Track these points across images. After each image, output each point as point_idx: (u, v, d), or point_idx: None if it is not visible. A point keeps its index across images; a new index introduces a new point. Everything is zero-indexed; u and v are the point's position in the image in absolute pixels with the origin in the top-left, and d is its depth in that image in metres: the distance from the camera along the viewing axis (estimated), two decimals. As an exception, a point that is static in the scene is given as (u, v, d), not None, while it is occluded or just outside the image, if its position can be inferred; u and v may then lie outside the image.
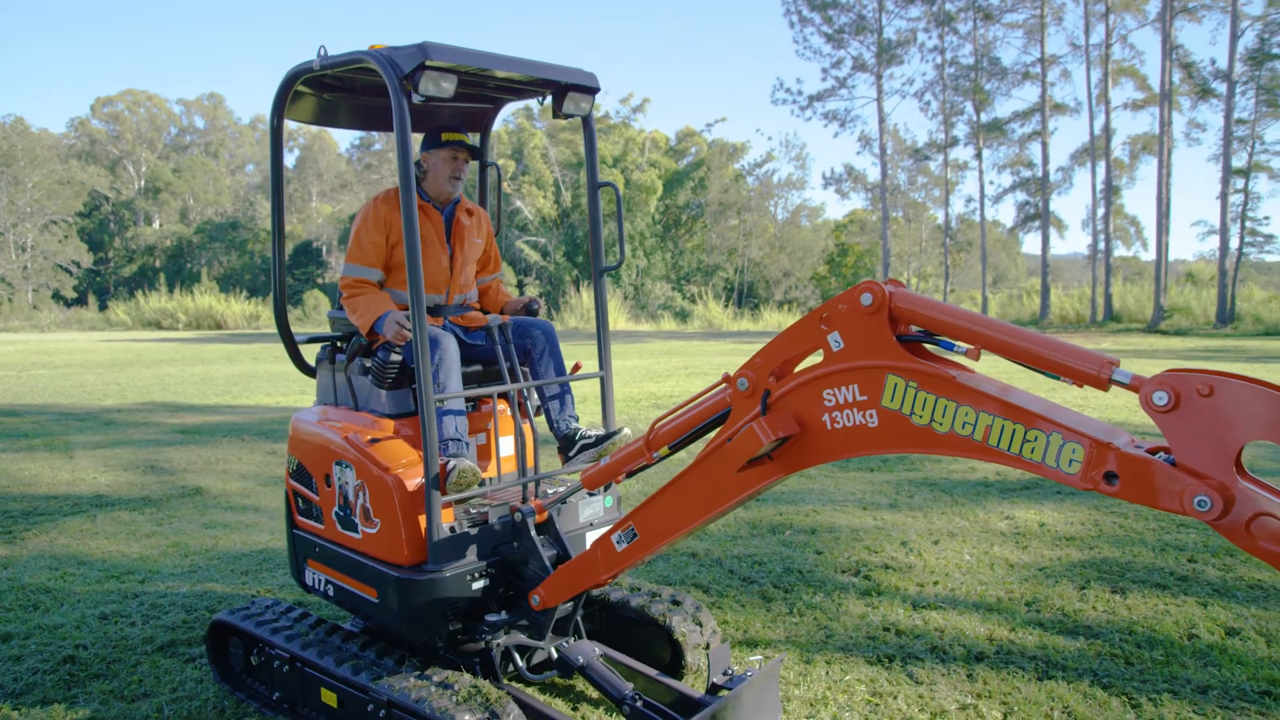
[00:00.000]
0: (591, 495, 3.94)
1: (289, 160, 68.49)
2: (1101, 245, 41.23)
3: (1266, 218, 71.38)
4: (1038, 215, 43.99)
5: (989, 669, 4.34)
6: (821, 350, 2.62)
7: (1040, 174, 43.16)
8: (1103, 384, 2.16)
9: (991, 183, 44.76)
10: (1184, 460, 2.03)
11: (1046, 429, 2.20)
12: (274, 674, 3.91)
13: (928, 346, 2.55)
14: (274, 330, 4.37)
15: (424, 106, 4.07)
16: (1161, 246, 37.89)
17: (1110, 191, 41.35)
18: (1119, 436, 2.16)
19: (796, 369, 2.77)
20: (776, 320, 44.22)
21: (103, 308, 53.02)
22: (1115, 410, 11.86)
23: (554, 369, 4.02)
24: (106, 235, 63.71)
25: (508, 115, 58.37)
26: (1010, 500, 7.61)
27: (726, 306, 49.34)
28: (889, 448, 2.49)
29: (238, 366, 21.95)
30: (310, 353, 4.34)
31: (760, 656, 4.44)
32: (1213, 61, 39.06)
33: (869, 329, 2.49)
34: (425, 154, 4.06)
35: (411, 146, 3.35)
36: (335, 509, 3.75)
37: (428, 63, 3.27)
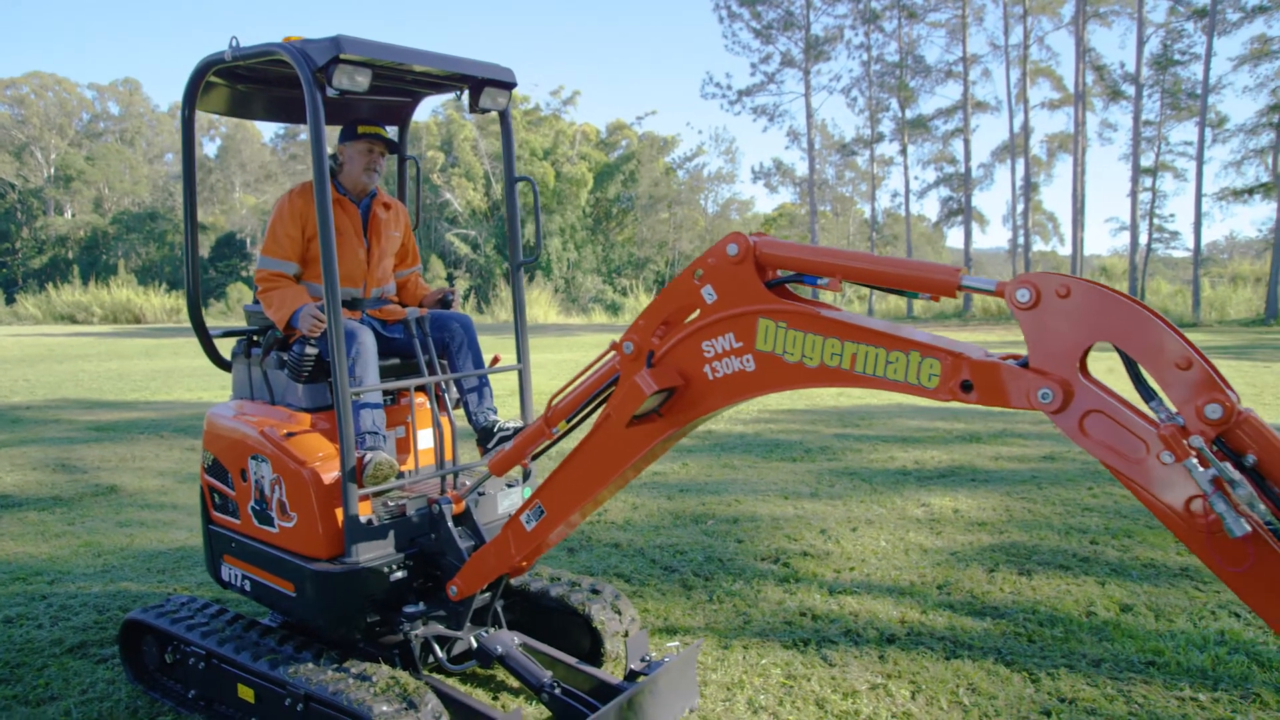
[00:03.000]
0: (510, 486, 3.98)
1: (210, 150, 66.51)
2: (1021, 240, 42.55)
3: (1172, 215, 74.73)
4: (960, 210, 45.15)
5: (899, 650, 4.50)
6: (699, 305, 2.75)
7: (963, 170, 44.30)
8: (951, 290, 2.34)
9: (916, 178, 45.84)
10: (1035, 356, 2.20)
11: (906, 348, 2.37)
12: (190, 671, 3.86)
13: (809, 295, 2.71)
14: (227, 331, 4.31)
15: (341, 99, 4.04)
16: (1077, 242, 39.32)
17: (1029, 188, 42.65)
18: (973, 350, 2.32)
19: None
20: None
21: (10, 301, 50.73)
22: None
23: (472, 362, 4.05)
24: (13, 225, 60.99)
25: (437, 107, 57.69)
26: (927, 488, 7.86)
27: (660, 298, 49.50)
28: (767, 388, 2.64)
29: (157, 362, 21.30)
30: (226, 347, 4.29)
31: (677, 643, 4.54)
32: (1121, 65, 40.67)
33: (738, 278, 2.63)
34: (341, 146, 4.04)
35: (326, 140, 3.34)
36: (251, 503, 3.72)
37: (341, 56, 3.26)
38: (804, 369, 2.53)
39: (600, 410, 3.04)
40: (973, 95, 43.77)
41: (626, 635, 4.12)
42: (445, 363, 4.08)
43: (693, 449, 9.79)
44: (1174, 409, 2.07)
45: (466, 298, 44.61)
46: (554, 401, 3.18)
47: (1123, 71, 39.99)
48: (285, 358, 3.82)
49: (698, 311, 2.78)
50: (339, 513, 3.46)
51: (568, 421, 3.13)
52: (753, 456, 9.32)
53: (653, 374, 2.74)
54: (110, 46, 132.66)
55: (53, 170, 63.37)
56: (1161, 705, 3.93)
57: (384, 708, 3.19)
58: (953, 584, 5.43)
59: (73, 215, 62.10)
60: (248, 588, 3.83)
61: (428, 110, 56.76)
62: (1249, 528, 1.95)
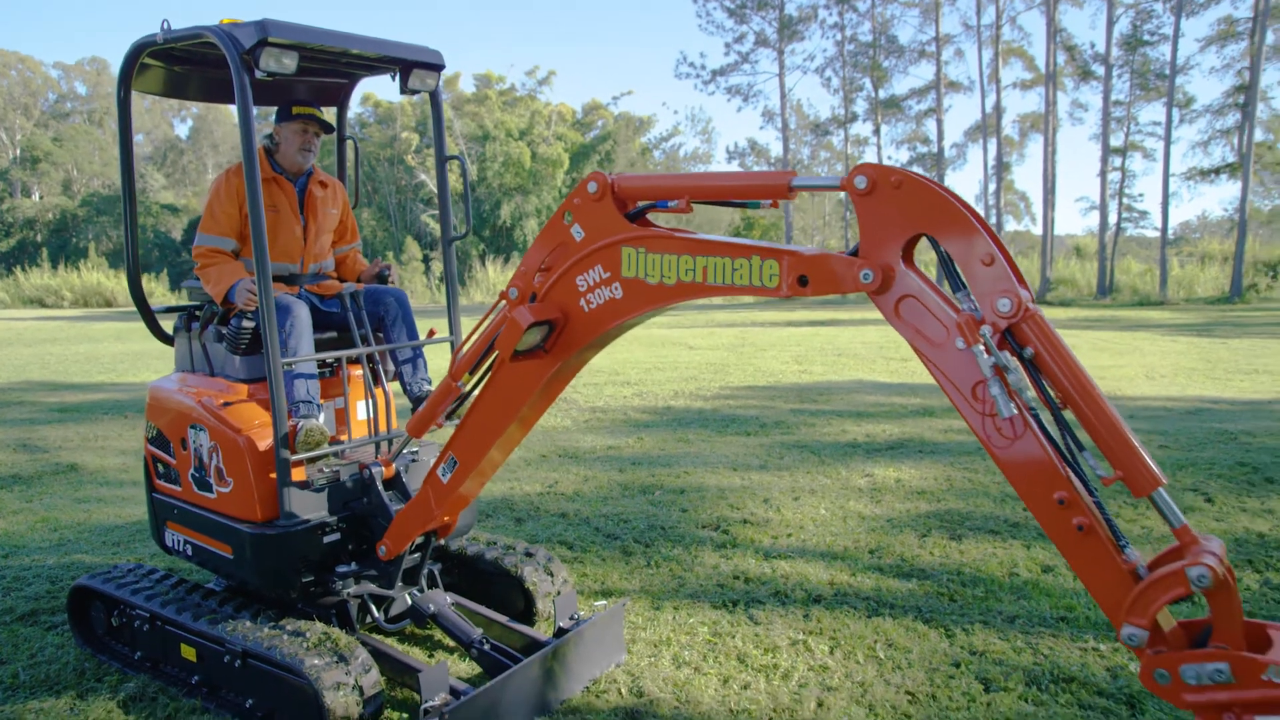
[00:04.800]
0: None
1: (182, 131, 65.76)
2: (993, 220, 42.91)
3: (1141, 194, 75.39)
4: (933, 191, 45.46)
5: (824, 609, 4.72)
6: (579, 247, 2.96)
7: (936, 150, 44.60)
8: (783, 192, 2.57)
9: (890, 158, 45.99)
10: (864, 242, 2.41)
11: (748, 254, 2.59)
12: (135, 634, 4.02)
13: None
14: (170, 307, 4.43)
15: (277, 80, 4.16)
16: (1047, 221, 39.75)
17: (1001, 168, 43.02)
18: (806, 249, 2.56)
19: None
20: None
21: (-24, 285, 50.09)
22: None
23: (406, 335, 4.20)
24: (-22, 207, 60.07)
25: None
26: (874, 459, 8.09)
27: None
28: (636, 310, 2.85)
29: (128, 345, 21.21)
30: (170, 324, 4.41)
31: (605, 602, 4.73)
32: (1092, 45, 40.94)
33: (600, 213, 2.86)
34: (277, 127, 4.17)
35: (254, 121, 3.47)
36: (191, 471, 3.87)
37: (268, 39, 3.38)
38: (664, 288, 2.76)
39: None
40: (946, 75, 44.02)
41: (559, 596, 4.30)
42: (381, 336, 4.23)
43: (650, 424, 9.98)
44: (975, 302, 2.28)
45: (442, 280, 44.50)
46: (456, 355, 3.35)
47: (1093, 52, 40.33)
48: (224, 331, 3.95)
49: None
50: (273, 478, 3.61)
51: (471, 374, 3.29)
52: (708, 431, 9.53)
53: (530, 309, 2.95)
54: (77, 24, 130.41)
55: (18, 151, 62.39)
56: (1065, 656, 4.17)
57: (315, 661, 3.36)
58: (884, 548, 5.66)
59: (40, 198, 61.21)
60: (189, 552, 3.98)
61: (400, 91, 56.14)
62: (1015, 410, 2.18)
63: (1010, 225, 51.79)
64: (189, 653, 3.78)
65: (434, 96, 4.17)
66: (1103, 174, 38.97)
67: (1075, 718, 3.62)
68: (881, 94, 45.32)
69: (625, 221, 2.84)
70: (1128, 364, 14.91)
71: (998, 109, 42.21)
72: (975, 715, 3.67)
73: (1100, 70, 39.05)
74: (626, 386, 12.99)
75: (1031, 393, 2.22)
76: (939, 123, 44.00)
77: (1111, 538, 2.19)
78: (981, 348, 2.19)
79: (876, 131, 45.85)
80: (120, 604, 4.05)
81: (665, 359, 16.54)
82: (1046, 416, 2.30)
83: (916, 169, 45.47)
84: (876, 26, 44.79)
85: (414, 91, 4.01)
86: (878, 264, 2.38)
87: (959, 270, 2.29)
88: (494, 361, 3.18)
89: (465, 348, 3.29)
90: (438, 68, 4.00)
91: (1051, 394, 2.24)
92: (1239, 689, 2.01)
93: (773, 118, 48.09)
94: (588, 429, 9.81)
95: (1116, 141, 39.50)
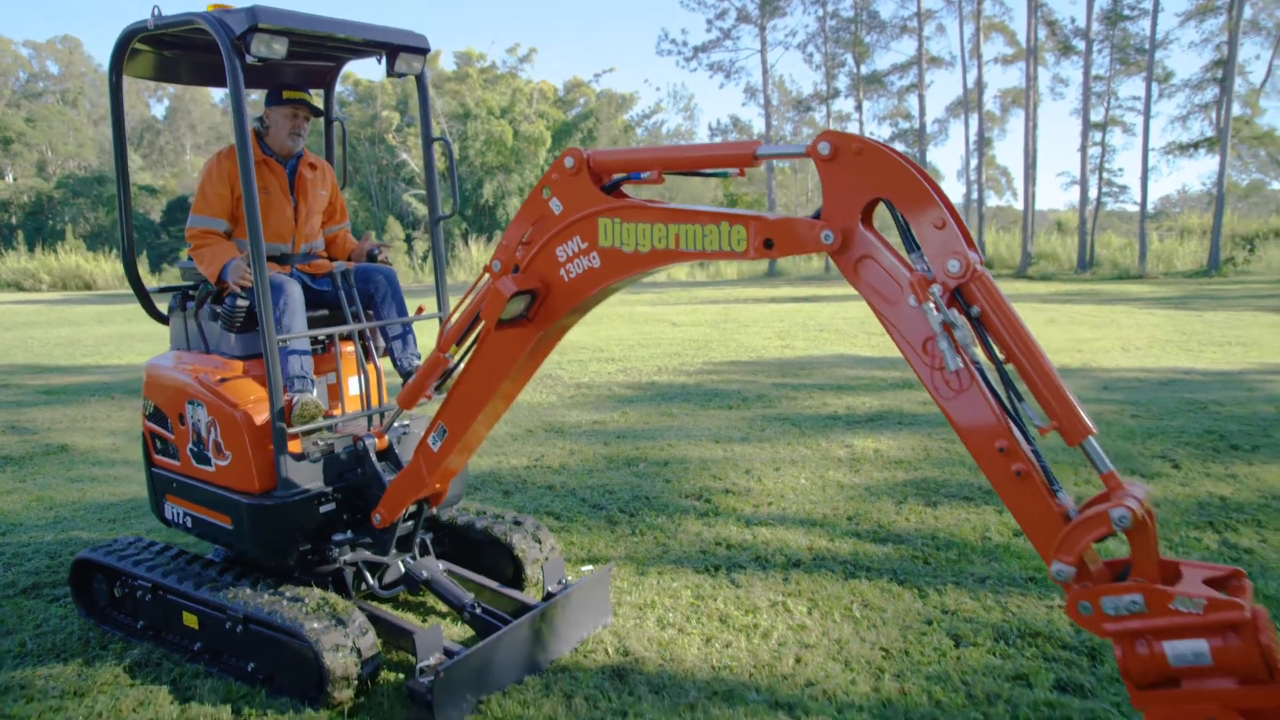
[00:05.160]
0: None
1: (159, 112, 64.99)
2: (975, 195, 43.17)
3: (1121, 169, 75.83)
4: (915, 166, 45.63)
5: (802, 573, 4.90)
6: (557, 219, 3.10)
7: (918, 125, 44.72)
8: (749, 160, 2.73)
9: (872, 133, 46.04)
10: (826, 205, 2.56)
11: (716, 221, 2.75)
12: (138, 604, 4.15)
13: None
14: (164, 287, 4.53)
15: (265, 64, 4.25)
16: (1028, 196, 39.98)
17: (983, 143, 43.23)
18: (771, 214, 2.72)
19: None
20: (665, 271, 44.87)
21: (-47, 269, 49.53)
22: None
23: (396, 311, 4.32)
24: (-50, 188, 59.30)
25: (391, 64, 56.67)
26: (854, 431, 8.28)
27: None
28: (613, 278, 3.00)
29: (110, 327, 21.17)
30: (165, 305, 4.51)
31: (592, 567, 4.90)
32: (1073, 20, 41.13)
33: (577, 187, 3.00)
34: (267, 110, 4.26)
35: (246, 105, 3.57)
36: (190, 445, 4.00)
37: (259, 25, 3.48)
38: (639, 255, 2.90)
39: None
40: (927, 51, 44.06)
41: (546, 561, 4.46)
42: (371, 313, 4.36)
43: (634, 399, 10.14)
44: (928, 263, 2.45)
45: (425, 259, 44.42)
46: (443, 328, 3.48)
47: (1074, 26, 40.51)
48: (218, 310, 4.06)
49: None
50: (270, 450, 3.75)
51: (458, 346, 3.42)
52: (691, 405, 9.69)
53: (513, 279, 3.09)
54: (46, 2, 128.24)
55: (-9, 132, 61.49)
56: (1032, 614, 4.37)
57: (315, 624, 3.51)
58: (861, 515, 5.85)
59: (14, 179, 60.43)
60: (189, 524, 4.11)
61: (381, 70, 55.86)
62: (961, 364, 2.36)
63: (992, 200, 52.06)
64: (191, 620, 3.92)
65: (420, 80, 4.28)
66: (1083, 149, 39.25)
67: (1040, 669, 3.81)
68: (863, 70, 45.36)
69: (601, 194, 2.98)
70: (1105, 336, 15.17)
71: (979, 84, 42.35)
72: (945, 668, 3.86)
73: (1081, 45, 39.23)
74: (611, 363, 13.13)
75: (978, 348, 2.39)
76: (921, 98, 44.10)
77: (1046, 483, 2.37)
78: (931, 305, 2.35)
79: (859, 107, 45.91)
80: (123, 575, 4.18)
81: (649, 336, 16.69)
82: (993, 374, 2.47)
83: (898, 145, 45.54)
84: (858, 2, 44.75)
85: (400, 74, 4.11)
86: (838, 226, 2.53)
87: (914, 234, 2.44)
88: (480, 332, 3.31)
89: (452, 321, 3.42)
90: (423, 51, 4.11)
91: (996, 350, 2.41)
92: (1150, 618, 2.19)
93: (755, 94, 48.13)
94: (573, 404, 9.96)
95: (1097, 116, 39.75)
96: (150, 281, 4.49)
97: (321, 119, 4.77)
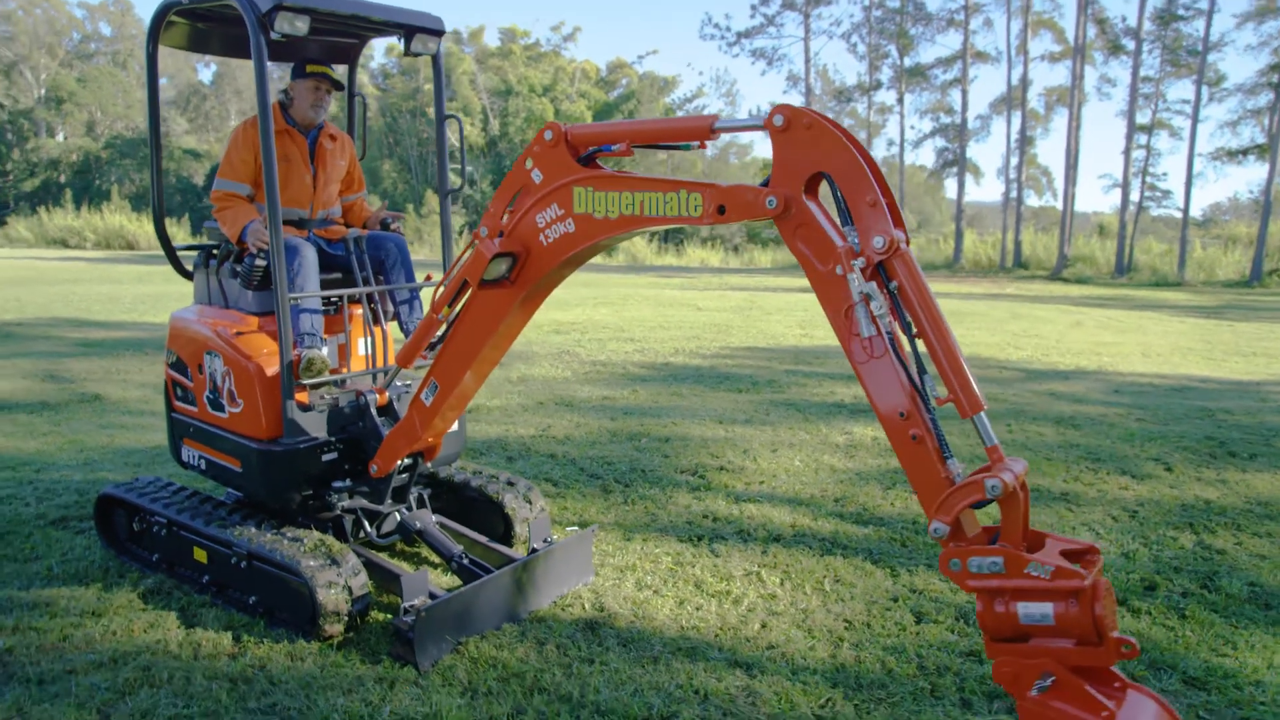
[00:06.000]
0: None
1: (205, 76, 65.93)
2: (1014, 194, 42.75)
3: (1165, 174, 74.51)
4: (955, 162, 45.28)
5: (781, 547, 5.12)
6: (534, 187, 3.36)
7: (959, 121, 44.32)
8: (706, 133, 2.98)
9: (913, 127, 45.80)
10: (774, 174, 2.78)
11: (676, 188, 3.00)
12: (154, 539, 4.47)
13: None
14: (190, 245, 4.84)
15: (290, 40, 4.50)
16: (1068, 197, 39.53)
17: (1025, 141, 42.75)
18: (724, 183, 2.94)
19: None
20: (700, 256, 44.94)
21: (1, 223, 50.81)
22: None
23: (405, 277, 4.59)
24: (3, 146, 60.67)
25: (435, 38, 57.05)
26: (856, 419, 8.45)
27: (651, 241, 49.86)
28: (586, 241, 3.24)
29: (149, 286, 21.77)
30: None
31: (576, 527, 5.16)
32: (1124, 18, 40.43)
33: (555, 158, 3.25)
34: (292, 83, 4.52)
35: (269, 78, 3.84)
36: (206, 393, 4.29)
37: (283, 4, 3.74)
38: (609, 221, 3.14)
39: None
40: (973, 45, 43.58)
41: (534, 520, 4.72)
42: (382, 278, 4.62)
43: (646, 378, 10.38)
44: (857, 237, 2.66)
45: (460, 233, 44.92)
46: (435, 291, 3.73)
47: (1124, 25, 39.85)
48: (238, 268, 4.35)
49: None
50: (279, 400, 4.03)
51: (450, 307, 3.67)
52: (701, 387, 9.91)
53: (497, 243, 3.35)
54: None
55: (43, 91, 62.71)
56: (997, 596, 4.55)
57: (311, 562, 3.80)
58: (848, 498, 6.05)
59: (65, 138, 61.69)
60: (203, 466, 4.42)
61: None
62: (874, 331, 2.59)
63: (1031, 200, 51.49)
64: (200, 555, 4.23)
65: (435, 59, 4.52)
66: (1127, 151, 38.71)
67: (992, 646, 4.00)
68: (907, 62, 44.98)
69: (576, 165, 3.22)
70: (1126, 342, 15.15)
71: (1024, 81, 41.88)
72: (903, 641, 4.07)
73: (1130, 44, 38.62)
74: (630, 343, 13.37)
75: (889, 318, 2.60)
76: (964, 93, 43.70)
77: (939, 449, 2.58)
78: (855, 276, 2.57)
79: (900, 100, 45.56)
80: (142, 511, 4.50)
81: (672, 318, 16.90)
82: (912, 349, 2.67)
83: (939, 140, 44.76)
84: (905, -7, 44.33)
85: (416, 53, 4.35)
86: (782, 193, 2.75)
87: (849, 209, 2.65)
88: (469, 294, 3.57)
89: (443, 282, 3.66)
90: (439, 32, 4.34)
91: (910, 323, 2.62)
92: (1007, 579, 2.42)
93: (797, 82, 47.86)
94: (586, 380, 10.22)
95: (1143, 119, 39.20)
96: (191, 242, 4.79)
97: (344, 93, 5.03)
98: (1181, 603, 4.49)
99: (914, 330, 2.61)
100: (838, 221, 2.70)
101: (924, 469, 2.58)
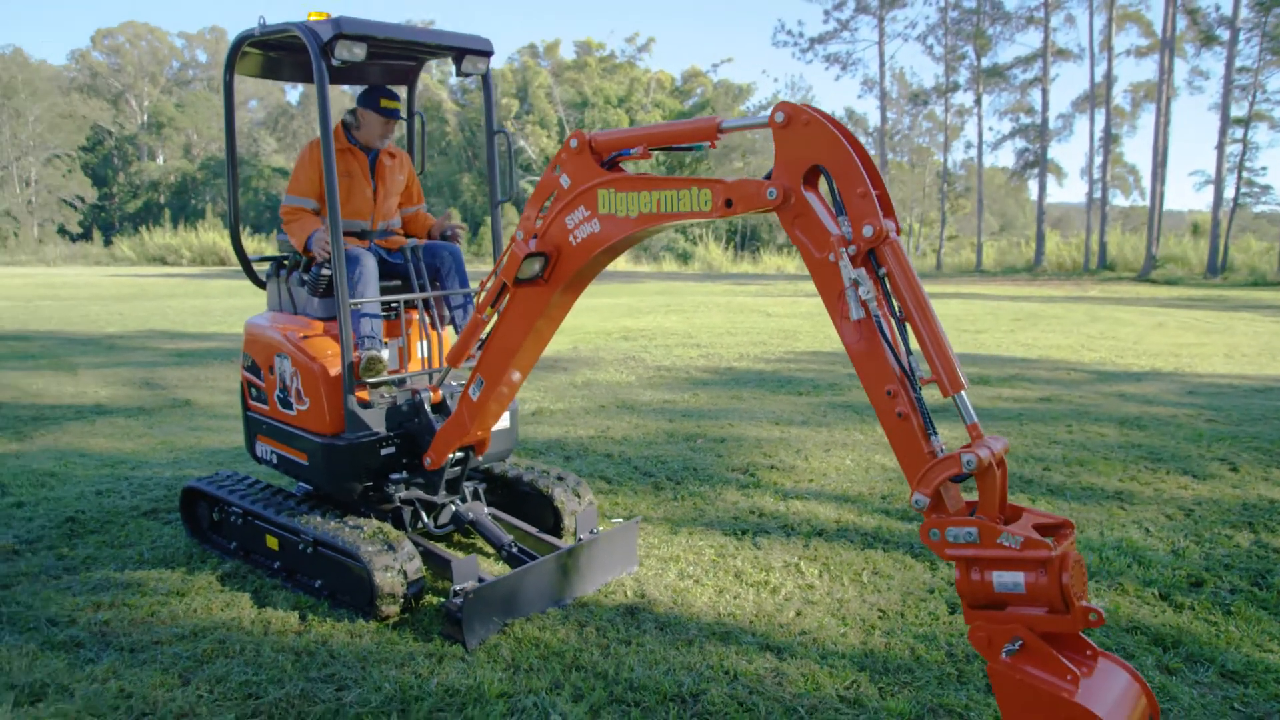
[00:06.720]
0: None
1: (293, 97, 68.57)
2: (1098, 194, 41.54)
3: (1264, 168, 70.45)
4: (1036, 162, 44.24)
5: (823, 541, 5.25)
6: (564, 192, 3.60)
7: (1040, 121, 43.30)
8: (713, 134, 3.17)
9: (991, 129, 44.91)
10: (775, 168, 2.94)
11: (688, 186, 3.19)
12: (231, 527, 4.85)
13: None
14: (263, 257, 5.24)
15: (351, 65, 4.85)
16: (1156, 196, 38.24)
17: (1109, 140, 41.51)
18: (731, 178, 3.10)
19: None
20: (776, 263, 44.83)
21: (107, 243, 53.67)
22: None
23: (459, 284, 4.88)
24: (110, 170, 64.09)
25: (513, 54, 58.42)
26: (914, 421, 8.47)
27: (727, 249, 49.93)
28: (610, 239, 3.45)
29: (238, 300, 22.85)
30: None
31: (621, 519, 5.36)
32: (1217, 8, 38.98)
33: (581, 163, 3.49)
34: (363, 111, 4.84)
35: (330, 102, 4.17)
36: (277, 392, 4.65)
37: (342, 33, 4.07)
38: (629, 219, 3.36)
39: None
40: (1054, 42, 42.58)
41: (582, 513, 4.95)
42: (439, 285, 4.92)
43: (708, 382, 10.55)
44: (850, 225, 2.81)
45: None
46: (479, 297, 3.99)
47: (1218, 15, 38.40)
48: (304, 277, 4.70)
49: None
50: (341, 398, 4.35)
51: (493, 307, 3.92)
52: (762, 390, 10.04)
53: (530, 245, 3.60)
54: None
55: (146, 117, 66.14)
56: (1037, 590, 4.60)
57: (369, 548, 4.10)
58: (895, 495, 6.12)
59: (164, 161, 64.90)
60: (274, 460, 4.78)
61: (503, 58, 57.70)
62: (864, 314, 2.74)
63: (1119, 200, 49.90)
64: (272, 542, 4.58)
65: (485, 79, 4.82)
66: (1220, 146, 37.21)
67: (1024, 636, 4.07)
68: (985, 62, 44.19)
69: (600, 169, 3.45)
70: (1210, 343, 14.69)
71: (1108, 78, 40.71)
72: (935, 631, 4.16)
73: (1224, 35, 37.18)
74: (695, 349, 13.56)
75: (875, 303, 2.75)
76: (1044, 92, 42.71)
77: (923, 427, 2.72)
78: (846, 262, 2.73)
79: (978, 101, 44.79)
80: (221, 502, 4.88)
81: (740, 324, 17.02)
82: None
83: (1019, 141, 43.76)
84: (981, -8, 43.57)
85: (466, 74, 4.65)
86: (782, 185, 2.92)
87: (843, 200, 2.80)
88: (508, 293, 3.82)
89: (485, 285, 3.92)
90: (487, 54, 4.63)
91: (897, 308, 2.76)
92: (981, 548, 2.55)
93: (872, 87, 47.44)
94: (649, 385, 10.45)
95: (1238, 111, 37.66)
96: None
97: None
98: (1229, 599, 4.47)
99: (901, 315, 2.75)
100: (834, 212, 2.87)
101: (908, 444, 2.73)
